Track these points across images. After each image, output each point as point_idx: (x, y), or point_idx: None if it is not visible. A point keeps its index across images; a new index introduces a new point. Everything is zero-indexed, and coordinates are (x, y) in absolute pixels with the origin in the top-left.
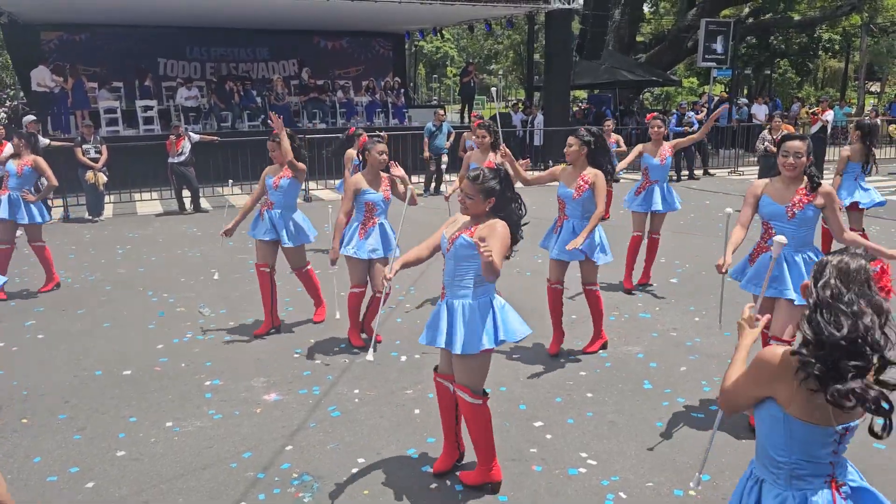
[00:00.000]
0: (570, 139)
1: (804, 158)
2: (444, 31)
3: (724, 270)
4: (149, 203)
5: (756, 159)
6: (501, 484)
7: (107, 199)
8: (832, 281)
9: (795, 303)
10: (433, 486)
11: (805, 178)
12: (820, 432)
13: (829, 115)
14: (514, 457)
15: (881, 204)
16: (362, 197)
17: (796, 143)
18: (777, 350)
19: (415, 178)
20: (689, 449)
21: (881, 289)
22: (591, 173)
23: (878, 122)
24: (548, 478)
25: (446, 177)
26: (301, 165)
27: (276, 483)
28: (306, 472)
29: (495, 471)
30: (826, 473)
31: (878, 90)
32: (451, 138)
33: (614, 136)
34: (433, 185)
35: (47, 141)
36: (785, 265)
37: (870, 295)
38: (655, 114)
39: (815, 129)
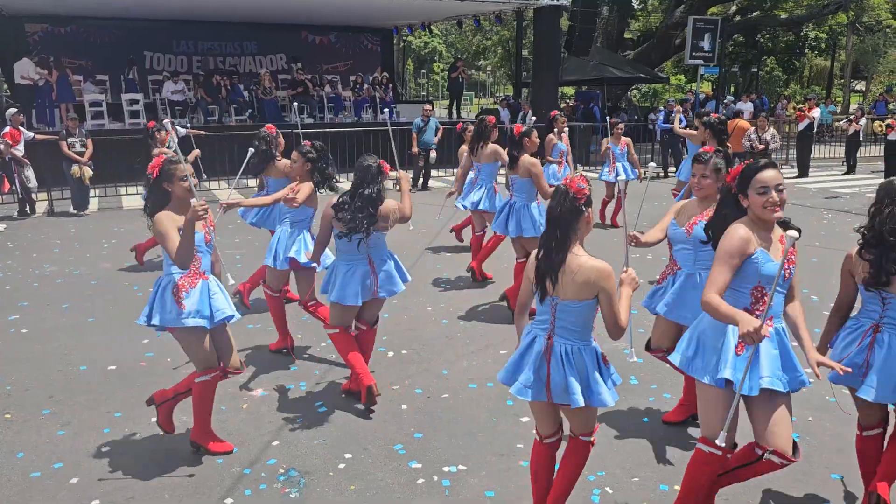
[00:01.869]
0: (294, 154)
1: (710, 179)
2: (432, 27)
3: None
4: (135, 197)
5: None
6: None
7: (92, 193)
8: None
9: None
10: (420, 481)
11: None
12: None
13: (816, 113)
14: (501, 452)
15: None
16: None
17: (699, 166)
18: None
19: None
20: (676, 444)
21: None
22: (298, 186)
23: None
24: None
25: (434, 172)
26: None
27: (263, 479)
28: (293, 467)
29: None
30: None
31: (864, 89)
32: (440, 134)
33: (624, 140)
34: (421, 180)
35: (31, 134)
36: (680, 283)
37: None
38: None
39: (802, 126)
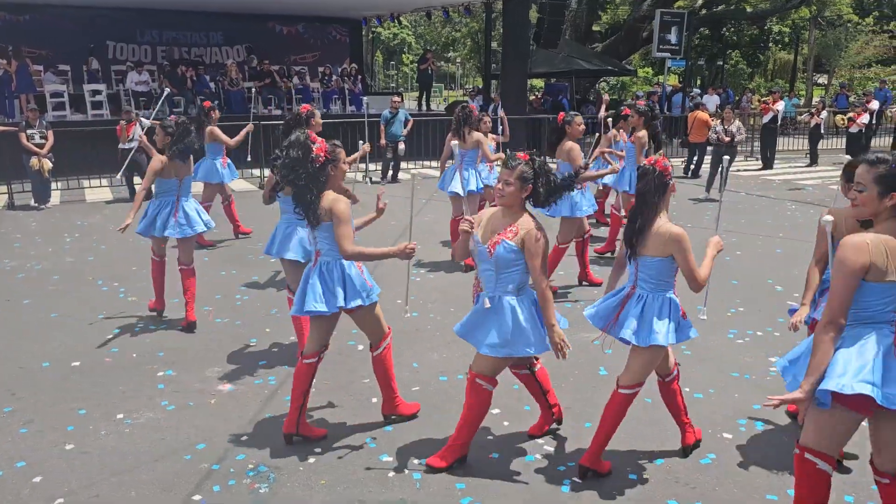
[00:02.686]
0: (157, 129)
1: (513, 187)
2: (401, 18)
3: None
4: (98, 190)
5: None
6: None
7: (54, 185)
8: None
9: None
10: (391, 474)
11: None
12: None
13: (780, 106)
14: (472, 444)
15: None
16: None
17: (505, 171)
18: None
19: (372, 166)
20: (644, 434)
21: None
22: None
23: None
24: (505, 464)
25: (403, 164)
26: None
27: (232, 474)
28: (262, 462)
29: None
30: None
31: (826, 82)
32: (409, 126)
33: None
34: (390, 172)
35: None
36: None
37: None
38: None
39: (766, 118)
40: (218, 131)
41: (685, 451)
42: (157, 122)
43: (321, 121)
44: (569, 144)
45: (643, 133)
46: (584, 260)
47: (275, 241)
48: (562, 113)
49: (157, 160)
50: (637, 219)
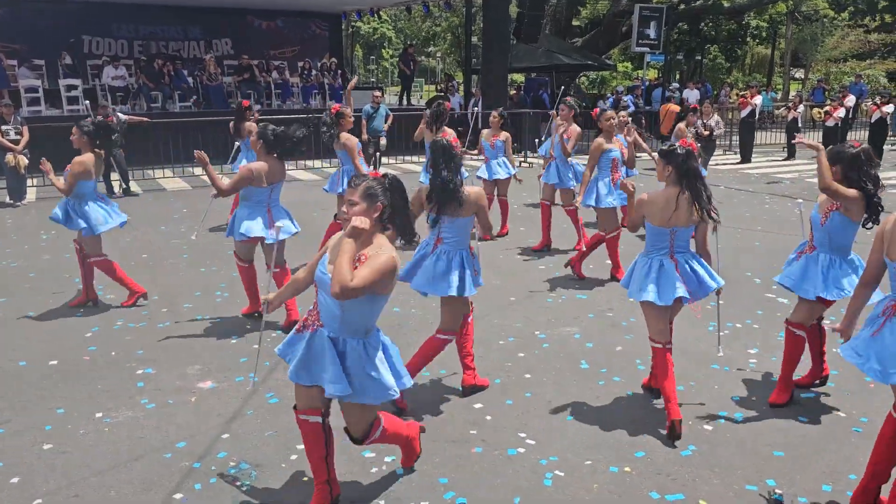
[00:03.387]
0: (74, 129)
1: (360, 207)
2: (381, 13)
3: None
4: None
5: None
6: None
7: (30, 182)
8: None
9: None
10: (374, 470)
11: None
12: None
13: (758, 100)
14: (454, 439)
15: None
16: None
17: (349, 190)
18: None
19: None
20: (625, 427)
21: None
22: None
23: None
24: (488, 458)
25: (385, 159)
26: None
27: (213, 472)
28: (244, 460)
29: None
30: None
31: (802, 76)
32: (389, 120)
33: (629, 129)
34: (371, 167)
35: None
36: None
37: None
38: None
39: (744, 113)
40: (255, 128)
41: (670, 433)
42: (133, 118)
43: (351, 119)
44: (595, 139)
45: (574, 128)
46: (585, 254)
47: (234, 225)
48: (596, 108)
49: (92, 159)
50: (705, 192)
